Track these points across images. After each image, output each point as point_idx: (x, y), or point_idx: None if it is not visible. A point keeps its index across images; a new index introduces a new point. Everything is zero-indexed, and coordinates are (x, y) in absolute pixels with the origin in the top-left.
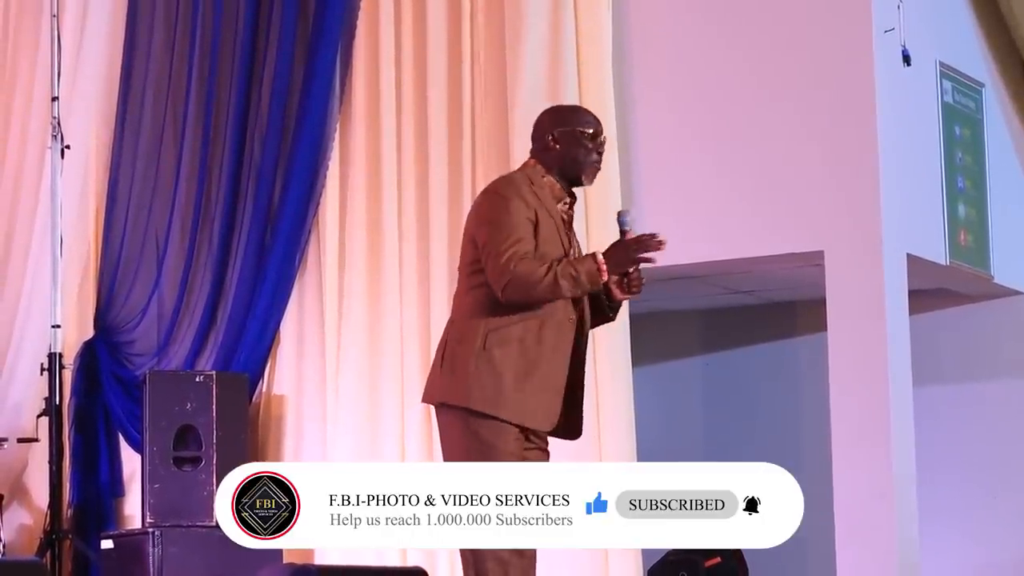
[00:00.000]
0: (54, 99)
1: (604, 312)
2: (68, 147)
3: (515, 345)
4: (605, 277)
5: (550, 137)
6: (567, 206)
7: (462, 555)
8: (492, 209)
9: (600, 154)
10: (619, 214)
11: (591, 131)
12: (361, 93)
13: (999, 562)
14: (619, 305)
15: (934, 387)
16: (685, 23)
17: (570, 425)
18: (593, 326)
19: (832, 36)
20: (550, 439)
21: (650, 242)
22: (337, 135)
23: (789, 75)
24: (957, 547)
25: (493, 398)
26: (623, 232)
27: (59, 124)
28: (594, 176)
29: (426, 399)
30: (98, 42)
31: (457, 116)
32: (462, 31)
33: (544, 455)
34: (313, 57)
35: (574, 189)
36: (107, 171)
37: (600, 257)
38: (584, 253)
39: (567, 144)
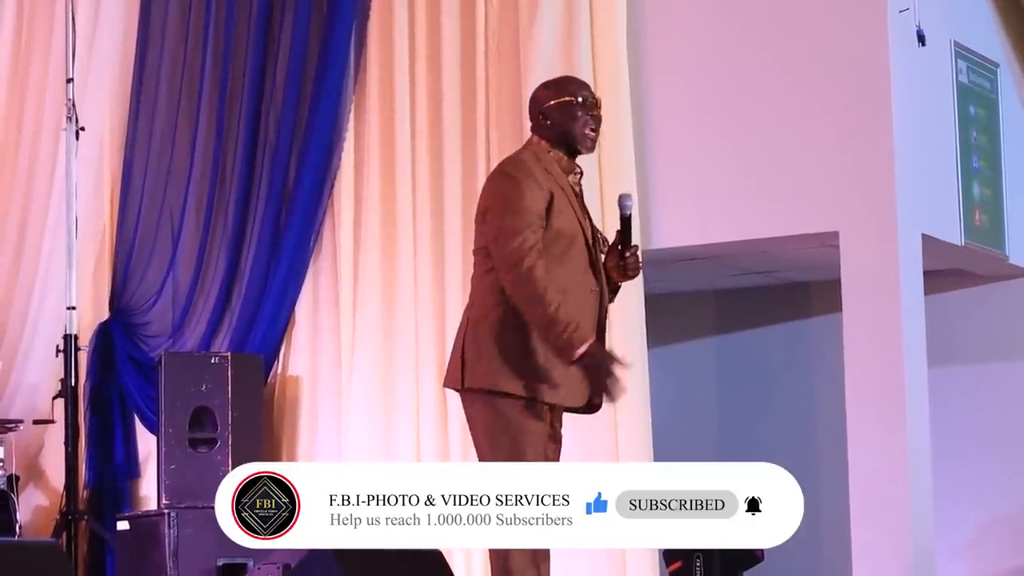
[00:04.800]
0: (69, 81)
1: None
2: (83, 129)
3: None
4: (571, 360)
5: (542, 114)
6: (578, 178)
7: (491, 555)
8: (503, 191)
9: (595, 120)
10: (621, 197)
11: (580, 99)
12: (375, 74)
13: (1015, 542)
14: (617, 287)
15: (949, 367)
16: (699, 4)
17: (591, 398)
18: None
19: (847, 16)
20: (565, 421)
21: (614, 386)
22: (352, 116)
23: (804, 55)
24: (971, 527)
25: (518, 378)
26: (623, 216)
27: (74, 106)
28: (592, 144)
29: (448, 384)
30: (113, 23)
31: (471, 98)
32: (476, 12)
33: (556, 445)
34: (327, 38)
35: (579, 160)
36: (122, 153)
37: (586, 346)
38: (598, 231)
39: (558, 117)
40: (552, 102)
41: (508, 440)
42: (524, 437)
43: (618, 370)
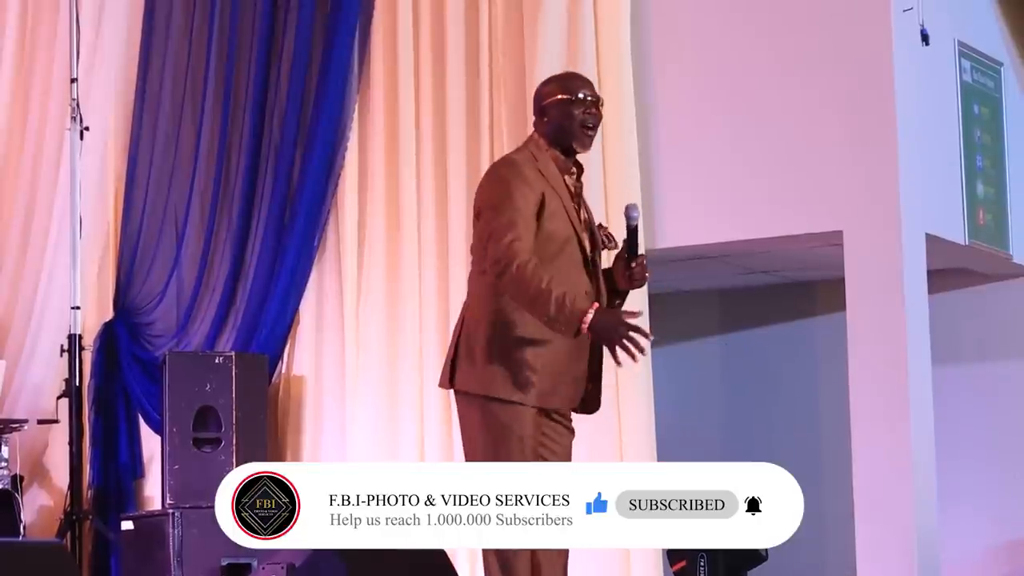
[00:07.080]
0: (73, 80)
1: (611, 298)
2: (87, 128)
3: (531, 326)
4: (585, 329)
5: (542, 110)
6: (574, 177)
7: (485, 557)
8: (495, 192)
9: (593, 118)
10: (627, 208)
11: (579, 96)
12: (379, 72)
13: (1018, 541)
14: (625, 292)
15: (953, 366)
16: (704, 2)
17: (588, 400)
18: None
19: (851, 15)
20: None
21: (638, 340)
22: (356, 115)
23: (807, 54)
24: (975, 526)
25: (512, 383)
26: (629, 227)
27: (78, 105)
28: (588, 142)
29: (443, 385)
30: (116, 22)
31: (475, 95)
32: (480, 10)
33: (569, 432)
34: (331, 36)
35: (584, 159)
36: (126, 152)
37: (591, 314)
38: (603, 228)
39: (555, 114)
40: (551, 99)
41: (494, 445)
42: (512, 440)
43: (633, 323)
